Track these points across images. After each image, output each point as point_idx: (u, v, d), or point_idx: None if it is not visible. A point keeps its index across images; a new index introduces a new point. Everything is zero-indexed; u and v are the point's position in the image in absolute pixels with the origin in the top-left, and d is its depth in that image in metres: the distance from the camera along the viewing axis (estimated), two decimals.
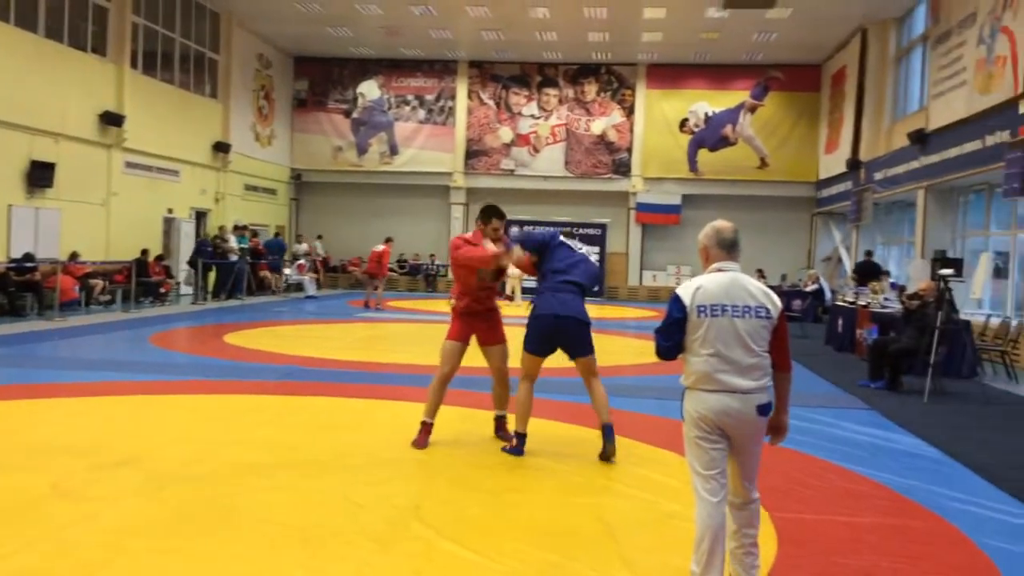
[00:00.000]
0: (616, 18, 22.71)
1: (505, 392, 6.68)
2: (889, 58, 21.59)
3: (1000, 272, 16.19)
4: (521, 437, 6.30)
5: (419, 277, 28.67)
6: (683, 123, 27.86)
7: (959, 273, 9.89)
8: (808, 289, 21.22)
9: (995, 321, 13.36)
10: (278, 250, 25.11)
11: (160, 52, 21.37)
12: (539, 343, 6.27)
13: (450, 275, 7.34)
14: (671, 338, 3.69)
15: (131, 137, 19.57)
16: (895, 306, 12.76)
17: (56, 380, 8.88)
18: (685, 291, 3.67)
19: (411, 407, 7.36)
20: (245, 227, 23.88)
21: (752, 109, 27.49)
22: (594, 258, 6.79)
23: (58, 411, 7.51)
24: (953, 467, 6.52)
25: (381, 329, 16.30)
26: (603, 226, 27.57)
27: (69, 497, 4.96)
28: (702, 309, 3.61)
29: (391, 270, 24.27)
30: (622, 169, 28.23)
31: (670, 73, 27.79)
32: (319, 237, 28.81)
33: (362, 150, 29.12)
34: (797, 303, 19.49)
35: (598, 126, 28.30)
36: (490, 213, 6.51)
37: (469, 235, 6.57)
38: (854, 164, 22.27)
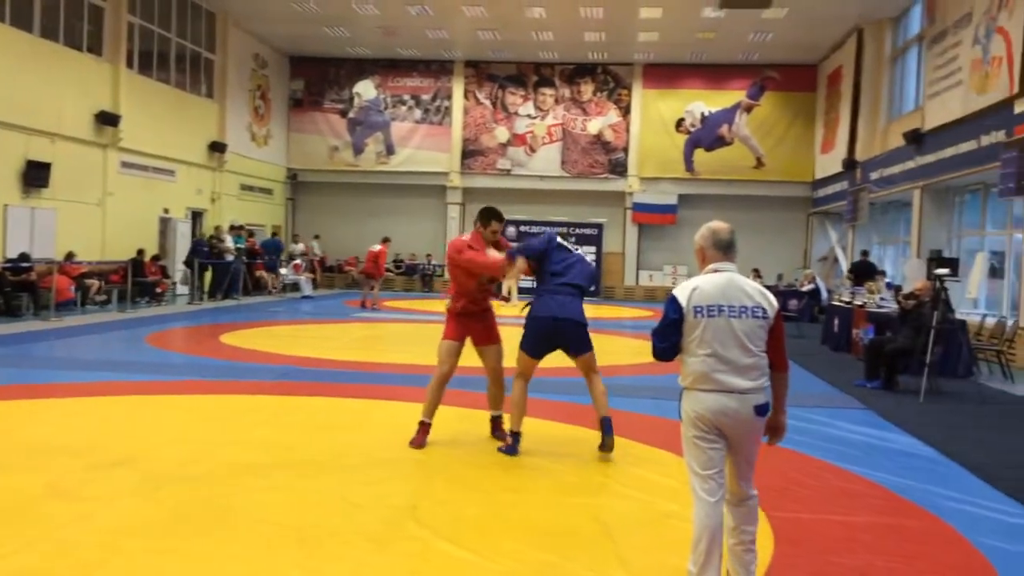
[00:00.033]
0: (612, 18, 22.72)
1: (500, 392, 6.68)
2: (885, 58, 21.62)
3: (996, 272, 16.23)
4: (516, 436, 6.31)
5: (415, 277, 28.67)
6: (679, 123, 27.89)
7: (955, 273, 9.89)
8: (804, 289, 21.25)
9: (991, 321, 13.40)
10: (275, 250, 25.09)
11: (156, 52, 21.33)
12: (536, 344, 6.29)
13: (446, 275, 7.29)
14: (668, 339, 3.70)
15: (127, 137, 19.55)
16: (891, 306, 12.79)
17: (52, 380, 8.86)
18: (681, 292, 3.68)
19: (408, 407, 7.36)
20: (241, 227, 23.84)
21: (748, 109, 27.53)
22: (590, 258, 6.84)
23: (54, 411, 7.49)
24: (949, 466, 6.54)
25: (378, 329, 16.29)
26: (599, 226, 27.59)
27: (65, 497, 4.95)
28: (699, 310, 3.62)
29: (387, 270, 24.25)
30: (618, 169, 28.24)
31: (666, 73, 27.82)
32: (316, 237, 28.80)
33: (358, 150, 29.11)
34: (793, 303, 19.50)
35: (594, 126, 28.32)
36: (489, 215, 6.49)
37: (467, 237, 6.53)
38: (850, 164, 22.31)
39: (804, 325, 18.36)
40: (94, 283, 17.47)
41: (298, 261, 24.77)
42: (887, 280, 17.17)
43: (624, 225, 28.34)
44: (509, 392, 6.47)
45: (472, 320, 6.55)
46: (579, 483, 5.64)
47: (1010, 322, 12.84)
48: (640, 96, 28.08)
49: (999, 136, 13.94)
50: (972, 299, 14.49)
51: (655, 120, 27.99)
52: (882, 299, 13.80)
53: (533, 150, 28.58)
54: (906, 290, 12.68)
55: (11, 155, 16.24)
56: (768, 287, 4.20)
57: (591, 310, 6.51)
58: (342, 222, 29.28)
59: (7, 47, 16.09)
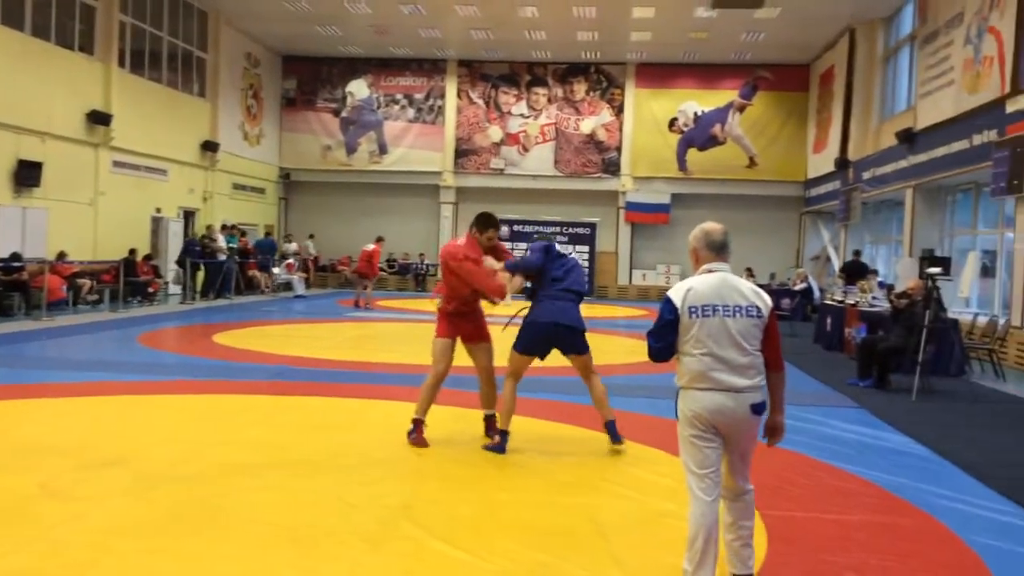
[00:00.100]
0: (605, 17, 22.73)
1: (492, 391, 6.68)
2: (877, 58, 21.68)
3: (987, 271, 16.29)
4: (504, 435, 6.32)
5: (408, 276, 28.64)
6: (672, 122, 27.91)
7: (947, 272, 9.93)
8: (797, 288, 21.30)
9: (982, 319, 13.45)
10: (269, 250, 25.04)
11: (148, 51, 21.26)
12: (533, 345, 6.33)
13: (439, 274, 7.24)
14: (663, 339, 3.70)
15: (119, 136, 19.48)
16: (883, 305, 12.81)
17: (44, 380, 8.83)
18: (676, 293, 3.69)
19: (402, 406, 7.34)
20: (234, 226, 23.79)
21: (741, 108, 27.56)
22: (583, 258, 6.92)
23: (46, 411, 7.46)
24: (941, 465, 6.55)
25: (371, 329, 16.27)
26: (592, 225, 27.59)
27: (57, 497, 4.93)
28: (693, 310, 3.63)
29: (381, 269, 24.23)
30: (611, 168, 28.26)
31: (659, 72, 27.84)
32: (311, 236, 28.74)
33: (351, 149, 29.07)
34: (786, 302, 19.55)
35: (587, 125, 28.33)
36: (486, 223, 6.45)
37: (463, 242, 6.49)
38: (842, 163, 22.35)
39: (797, 324, 18.40)
40: (86, 283, 17.40)
41: (291, 260, 24.73)
42: (879, 279, 17.22)
43: (617, 224, 28.35)
44: (500, 391, 6.48)
45: (462, 319, 6.55)
46: (573, 482, 5.64)
47: (1002, 321, 12.90)
48: (633, 95, 28.10)
49: (991, 136, 13.99)
50: (964, 298, 14.55)
51: (648, 119, 28.00)
52: (874, 298, 13.83)
53: (526, 149, 28.58)
54: (898, 289, 12.73)
55: (2, 154, 16.16)
56: (761, 286, 4.21)
57: (584, 310, 6.53)
58: (335, 221, 29.22)
59: None
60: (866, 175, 20.64)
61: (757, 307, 3.65)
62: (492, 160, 28.67)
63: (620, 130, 28.21)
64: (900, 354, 10.02)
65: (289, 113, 29.29)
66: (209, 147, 23.87)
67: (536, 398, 8.00)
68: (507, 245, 8.24)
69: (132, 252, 18.92)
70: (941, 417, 8.50)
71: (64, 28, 18.14)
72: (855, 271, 17.65)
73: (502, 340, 6.54)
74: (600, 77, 28.27)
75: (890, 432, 7.73)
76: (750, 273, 21.96)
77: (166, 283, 21.19)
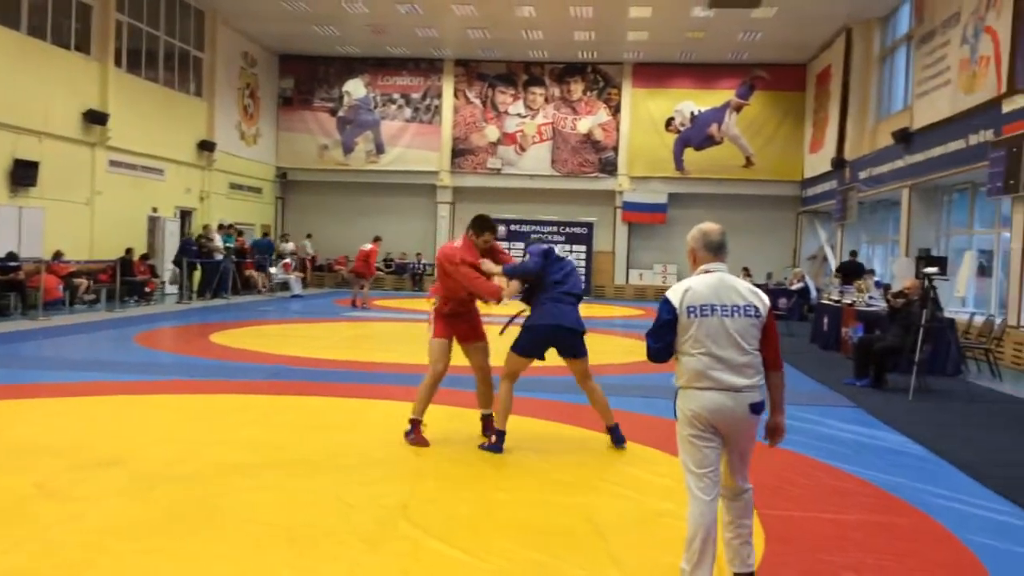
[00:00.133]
0: (602, 17, 22.72)
1: (489, 390, 6.68)
2: (873, 57, 21.70)
3: (984, 270, 16.31)
4: (500, 435, 6.32)
5: (405, 276, 28.63)
6: (669, 122, 27.91)
7: (943, 271, 9.93)
8: (793, 288, 21.34)
9: (979, 319, 13.47)
10: (267, 249, 25.01)
11: (144, 50, 21.22)
12: (534, 347, 6.34)
13: (436, 274, 7.21)
14: (662, 339, 3.71)
15: (115, 136, 19.45)
16: (880, 304, 12.83)
17: (40, 380, 8.81)
18: (674, 293, 3.70)
19: (399, 406, 7.33)
20: (231, 226, 23.76)
21: (738, 108, 27.58)
22: (580, 257, 6.94)
23: (42, 411, 7.45)
24: (938, 464, 6.56)
25: (368, 328, 16.26)
26: (589, 225, 27.60)
27: (54, 497, 4.92)
28: (692, 310, 3.63)
29: (378, 269, 24.22)
30: (608, 168, 28.26)
31: (656, 72, 27.85)
32: (308, 236, 28.71)
33: (348, 149, 29.04)
34: (783, 301, 19.58)
35: (584, 125, 28.33)
36: (483, 226, 6.43)
37: (459, 244, 6.46)
38: (839, 163, 22.38)
39: (793, 324, 18.42)
40: (82, 282, 17.37)
41: (287, 260, 24.70)
42: (876, 279, 17.25)
43: (614, 224, 28.36)
44: (497, 390, 6.48)
45: (458, 319, 6.55)
46: (571, 482, 5.64)
47: (998, 320, 12.92)
48: (630, 95, 28.10)
49: (987, 135, 14.01)
50: (960, 297, 14.53)
51: (645, 119, 28.01)
52: (871, 298, 13.85)
53: (523, 149, 28.57)
54: (895, 289, 12.74)
55: None
56: (758, 286, 4.21)
57: (581, 310, 6.54)
58: (332, 221, 29.20)
59: None
60: (862, 175, 20.66)
61: (755, 307, 3.66)
62: (489, 160, 28.66)
63: (617, 130, 28.22)
64: (897, 354, 10.03)
65: (286, 113, 29.25)
66: (206, 146, 23.84)
67: (533, 397, 8.00)
68: (504, 245, 8.23)
69: (129, 252, 18.88)
70: (937, 417, 8.51)
71: (60, 27, 18.11)
72: (850, 272, 17.68)
73: (499, 340, 6.54)
74: (597, 77, 28.27)
75: (887, 431, 7.74)
76: (747, 273, 21.99)
77: (163, 283, 21.16)
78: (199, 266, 20.86)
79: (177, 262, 20.31)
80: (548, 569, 4.07)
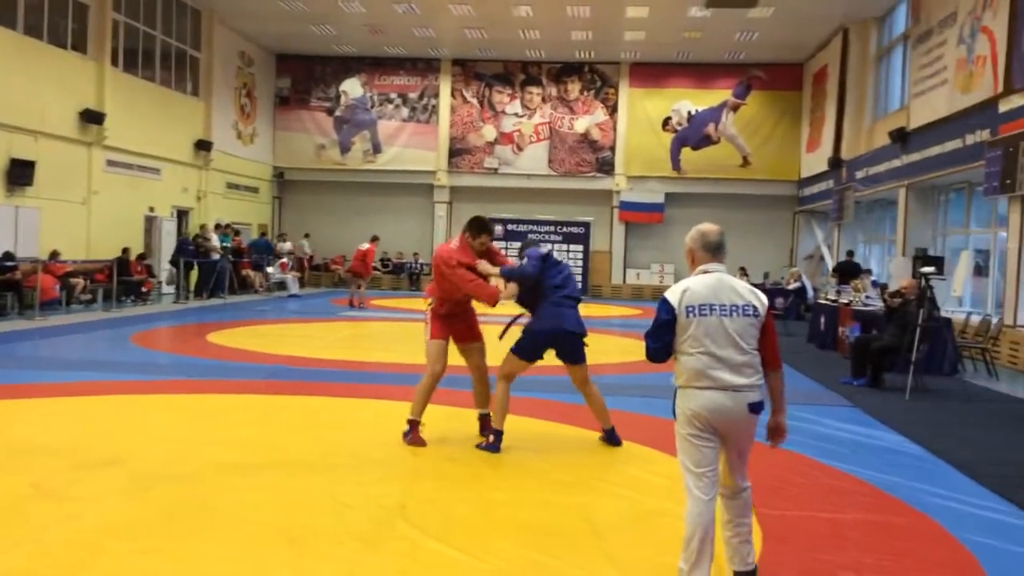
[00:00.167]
0: (599, 17, 22.73)
1: (486, 390, 6.68)
2: (870, 57, 21.73)
3: (980, 270, 16.34)
4: (498, 434, 6.32)
5: (402, 276, 28.62)
6: (666, 122, 27.93)
7: (940, 271, 9.94)
8: (790, 287, 21.35)
9: (975, 319, 13.49)
10: (264, 249, 24.98)
11: (141, 49, 21.20)
12: (535, 350, 6.34)
13: (432, 275, 7.17)
14: (661, 339, 3.72)
15: (112, 135, 19.42)
16: (877, 304, 12.85)
17: (37, 380, 8.79)
18: (673, 294, 3.71)
19: (396, 406, 7.34)
20: (228, 225, 23.73)
21: (735, 108, 27.59)
22: (577, 257, 6.96)
23: (39, 411, 7.43)
24: (935, 463, 6.57)
25: (365, 328, 16.25)
26: (587, 224, 27.60)
27: (51, 497, 4.91)
28: (690, 310, 3.64)
29: (375, 269, 24.20)
30: (605, 167, 28.27)
31: (653, 72, 27.86)
32: (306, 236, 28.68)
33: (345, 148, 29.02)
34: (779, 301, 19.58)
35: (581, 124, 28.33)
36: (479, 228, 6.39)
37: (455, 245, 6.42)
38: (836, 163, 22.40)
39: (790, 323, 18.42)
40: (79, 282, 17.34)
41: (284, 260, 24.68)
42: (873, 278, 17.27)
43: (611, 224, 28.36)
44: (494, 390, 6.48)
45: (455, 320, 6.55)
46: (568, 481, 5.64)
47: (995, 320, 12.93)
48: (627, 95, 28.10)
49: (984, 135, 14.03)
50: (957, 297, 14.58)
51: (642, 119, 28.02)
52: (868, 297, 13.87)
53: (520, 149, 28.57)
54: (892, 288, 12.75)
55: None
56: (755, 285, 4.22)
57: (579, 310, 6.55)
58: (329, 221, 29.18)
59: None
60: (859, 174, 20.69)
61: (754, 306, 3.67)
62: (486, 159, 28.66)
63: (614, 129, 28.23)
64: (894, 353, 10.04)
65: (283, 112, 29.22)
66: (203, 146, 23.81)
67: (531, 397, 8.00)
68: (500, 244, 8.23)
69: (125, 251, 18.86)
70: (934, 416, 8.52)
71: (57, 27, 18.08)
72: (848, 271, 17.70)
73: (497, 343, 6.53)
74: (594, 76, 28.27)
75: (884, 431, 7.75)
76: (744, 272, 22.01)
77: (160, 282, 21.12)
78: (196, 266, 20.83)
79: (174, 262, 20.28)
80: (546, 569, 4.07)
